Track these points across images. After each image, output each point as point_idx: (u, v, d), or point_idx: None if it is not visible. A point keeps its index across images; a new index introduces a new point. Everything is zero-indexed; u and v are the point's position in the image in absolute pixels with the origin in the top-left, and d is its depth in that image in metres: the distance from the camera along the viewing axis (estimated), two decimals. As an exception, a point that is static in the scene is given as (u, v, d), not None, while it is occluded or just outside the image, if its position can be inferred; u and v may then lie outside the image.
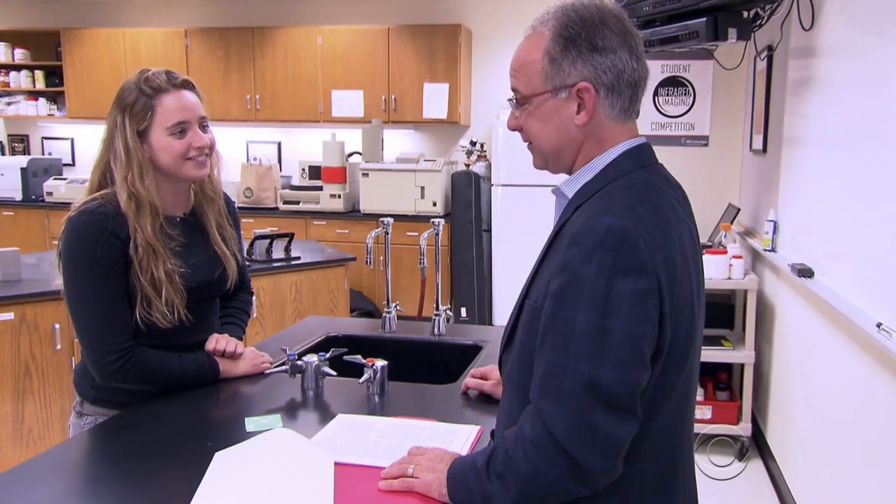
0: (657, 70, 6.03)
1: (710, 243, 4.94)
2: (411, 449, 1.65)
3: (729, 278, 4.46)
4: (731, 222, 5.00)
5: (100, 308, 2.03)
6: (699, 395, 4.60)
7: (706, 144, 6.14)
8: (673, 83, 6.08)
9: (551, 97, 1.44)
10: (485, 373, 2.18)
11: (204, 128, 2.14)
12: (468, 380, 2.19)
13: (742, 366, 4.64)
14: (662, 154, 5.80)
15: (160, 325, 2.08)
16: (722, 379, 4.76)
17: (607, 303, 1.27)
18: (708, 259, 4.38)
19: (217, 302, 2.34)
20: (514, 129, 1.54)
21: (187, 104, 2.10)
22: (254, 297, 2.57)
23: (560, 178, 1.54)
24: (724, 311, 5.02)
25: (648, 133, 6.16)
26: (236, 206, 2.45)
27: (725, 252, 4.48)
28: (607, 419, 1.27)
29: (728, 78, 5.88)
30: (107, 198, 2.07)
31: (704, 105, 6.08)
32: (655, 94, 6.09)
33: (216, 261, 2.25)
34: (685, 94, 6.08)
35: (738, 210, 5.22)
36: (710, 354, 4.48)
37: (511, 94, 1.52)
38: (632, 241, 1.28)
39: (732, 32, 3.73)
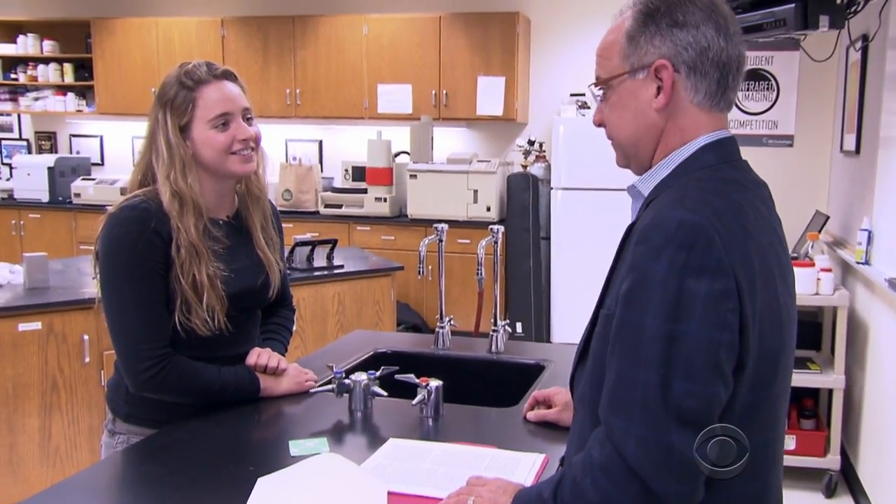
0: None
1: (795, 255, 4.86)
2: (470, 479, 1.63)
3: (816, 294, 4.38)
4: (819, 231, 4.91)
5: (137, 310, 2.06)
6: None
7: (791, 145, 6.05)
8: (754, 76, 5.99)
9: (629, 78, 1.45)
10: (548, 396, 2.16)
11: (248, 120, 2.18)
12: (529, 410, 2.17)
13: (830, 391, 4.55)
14: (742, 155, 5.70)
15: (199, 333, 2.10)
16: (808, 406, 4.68)
17: (678, 306, 1.25)
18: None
19: (258, 314, 2.36)
20: (598, 125, 1.55)
21: (229, 95, 2.14)
22: (295, 314, 2.58)
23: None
24: (810, 331, 4.93)
25: (726, 132, 6.09)
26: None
27: (813, 265, 4.40)
28: (683, 437, 1.24)
29: (816, 71, 5.78)
30: (149, 195, 2.11)
31: (789, 101, 5.98)
32: (734, 88, 6.01)
33: (259, 267, 2.27)
34: (768, 88, 5.99)
35: (827, 218, 5.13)
36: (794, 378, 4.40)
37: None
38: (706, 237, 1.26)
39: (824, 20, 3.66)
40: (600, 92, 1.50)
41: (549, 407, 2.15)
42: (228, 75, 2.19)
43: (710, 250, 1.26)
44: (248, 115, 2.18)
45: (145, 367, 2.06)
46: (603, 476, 1.29)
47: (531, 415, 2.15)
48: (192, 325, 2.09)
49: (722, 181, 1.38)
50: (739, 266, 1.27)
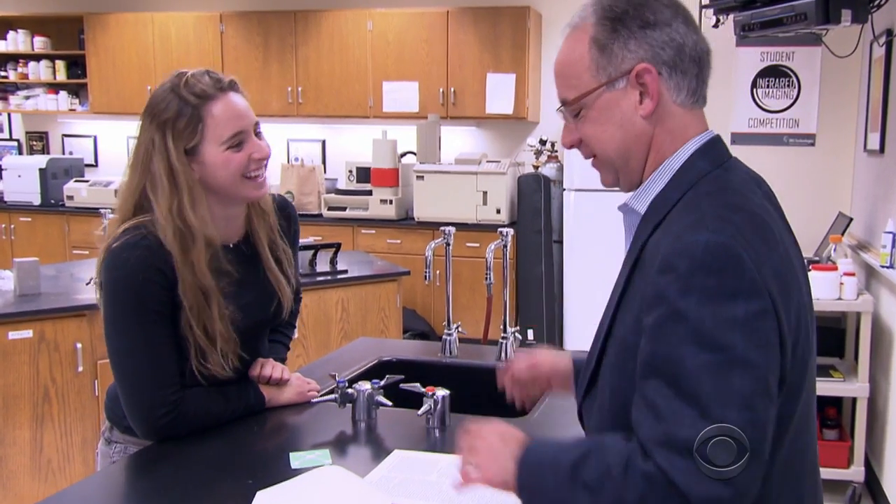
0: (756, 58, 5.96)
1: (817, 258, 4.86)
2: (461, 442, 1.53)
3: (839, 299, 4.38)
4: (842, 234, 4.91)
5: (147, 357, 2.02)
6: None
7: (812, 144, 6.05)
8: (774, 73, 6.00)
9: (607, 91, 1.43)
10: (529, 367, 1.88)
11: (258, 134, 2.10)
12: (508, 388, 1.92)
13: (854, 400, 4.54)
14: (762, 155, 5.77)
15: (219, 377, 2.09)
16: (830, 415, 4.67)
17: (718, 334, 1.23)
18: (815, 276, 4.30)
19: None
20: (571, 146, 1.52)
21: (240, 110, 2.05)
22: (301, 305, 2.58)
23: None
24: (833, 337, 4.92)
25: (745, 130, 6.09)
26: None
27: (835, 268, 4.40)
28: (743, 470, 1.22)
29: (839, 67, 5.78)
30: (150, 226, 2.02)
31: (811, 98, 5.98)
32: (754, 85, 6.02)
33: (271, 295, 2.22)
34: (788, 85, 6.00)
35: (850, 220, 5.12)
36: (816, 386, 4.39)
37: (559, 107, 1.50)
38: (735, 258, 1.25)
39: (846, 14, 3.67)
40: (574, 112, 1.47)
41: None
42: (234, 86, 2.08)
43: (741, 271, 1.25)
44: (258, 130, 2.11)
45: (159, 414, 2.03)
46: (645, 483, 1.25)
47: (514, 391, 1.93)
48: (210, 371, 2.06)
49: (732, 191, 1.37)
50: (771, 281, 1.27)
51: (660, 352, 1.27)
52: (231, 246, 2.17)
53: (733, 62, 5.98)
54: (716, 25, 4.93)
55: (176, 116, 1.99)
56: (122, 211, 2.08)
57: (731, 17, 4.63)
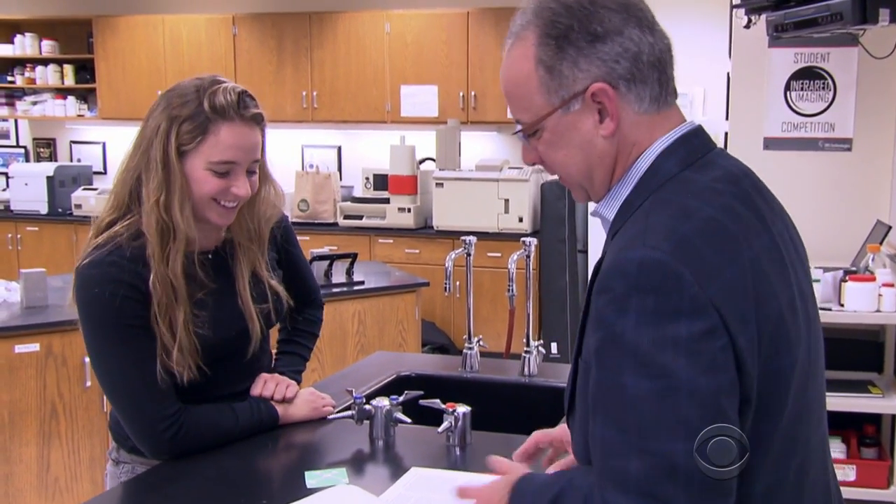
0: (790, 59, 5.93)
1: (854, 268, 4.82)
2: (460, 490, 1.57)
3: (878, 311, 4.34)
4: (881, 243, 4.87)
5: (134, 373, 2.02)
6: (840, 451, 4.48)
7: (849, 149, 6.01)
8: (808, 75, 5.97)
9: (563, 114, 1.37)
10: (557, 438, 1.85)
11: (251, 174, 2.09)
12: (528, 456, 1.85)
13: (893, 417, 4.51)
14: (796, 160, 5.70)
15: (178, 378, 2.05)
16: (869, 433, 4.63)
17: (658, 358, 1.19)
18: (852, 287, 4.28)
19: (258, 351, 2.31)
20: (533, 164, 1.49)
21: (246, 144, 2.04)
22: (322, 311, 2.58)
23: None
24: (871, 351, 4.88)
25: (779, 135, 6.05)
26: (290, 220, 2.44)
27: (873, 279, 4.36)
28: None
29: (877, 68, 5.74)
30: (119, 236, 2.02)
31: (847, 101, 5.95)
32: (787, 87, 5.99)
33: (240, 319, 2.18)
34: (823, 87, 5.96)
35: (889, 228, 5.09)
36: (854, 403, 4.37)
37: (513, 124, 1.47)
38: (673, 276, 1.21)
39: (884, 14, 3.65)
40: (531, 134, 1.43)
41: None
42: (257, 119, 2.07)
43: (680, 289, 1.20)
44: (253, 169, 2.09)
45: (162, 428, 2.03)
46: None
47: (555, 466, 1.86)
48: (172, 369, 2.03)
49: (691, 194, 1.32)
50: (721, 296, 1.22)
51: (602, 379, 1.24)
52: (209, 255, 2.16)
53: (765, 64, 5.96)
54: (747, 26, 4.92)
55: (188, 116, 2.00)
56: (115, 200, 2.09)
57: (763, 17, 4.62)
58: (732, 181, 1.37)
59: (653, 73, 1.36)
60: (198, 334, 2.06)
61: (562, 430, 1.81)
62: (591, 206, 1.50)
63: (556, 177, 5.47)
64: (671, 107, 1.40)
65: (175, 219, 2.00)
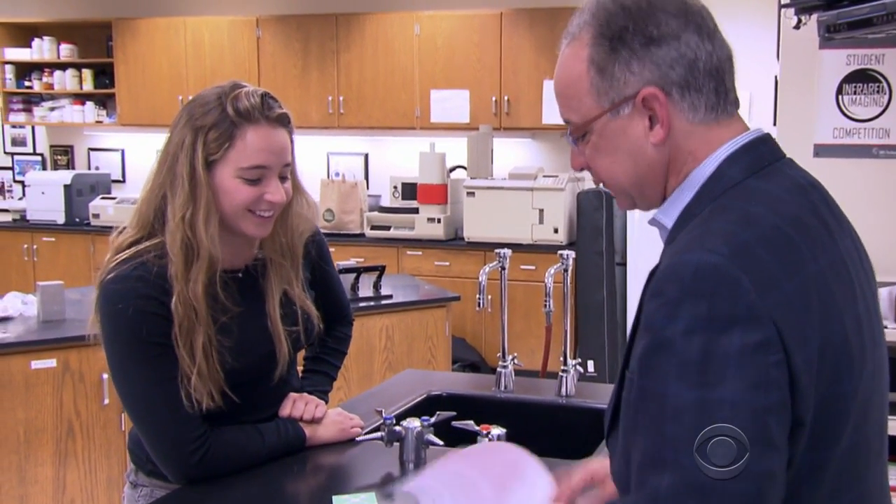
0: (842, 61, 5.87)
1: (912, 283, 4.77)
2: None
3: (938, 328, 4.28)
4: (940, 256, 4.81)
5: (159, 394, 2.02)
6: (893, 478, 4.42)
7: (905, 156, 5.94)
8: (862, 78, 5.91)
9: (612, 118, 1.38)
10: (597, 474, 1.82)
11: (283, 179, 2.08)
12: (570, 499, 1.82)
13: (955, 441, 4.43)
14: (848, 168, 5.63)
15: (199, 406, 2.04)
16: (929, 458, 4.57)
17: (707, 368, 1.17)
18: (910, 303, 4.21)
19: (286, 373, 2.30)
20: (580, 169, 1.49)
21: (275, 146, 2.03)
22: (352, 328, 2.57)
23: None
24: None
25: (830, 141, 6.00)
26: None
27: (933, 294, 4.30)
28: None
29: (934, 71, 5.68)
30: (145, 253, 2.02)
31: (903, 106, 5.89)
32: (839, 91, 5.93)
33: (266, 342, 2.17)
34: (878, 91, 5.90)
35: (949, 240, 5.02)
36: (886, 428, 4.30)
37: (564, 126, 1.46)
38: (730, 282, 1.19)
39: (944, 14, 3.61)
40: (579, 137, 1.43)
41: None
42: (283, 120, 2.06)
43: (736, 296, 1.18)
44: (285, 175, 2.09)
45: (188, 451, 2.02)
46: None
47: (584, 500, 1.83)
48: (191, 395, 2.01)
49: (755, 202, 1.30)
50: (780, 308, 1.20)
51: (645, 385, 1.23)
52: (239, 275, 2.15)
53: (816, 66, 5.91)
54: (797, 26, 4.87)
55: (212, 125, 1.99)
56: (140, 218, 2.08)
57: (814, 17, 4.58)
58: (800, 192, 1.36)
59: (709, 81, 1.36)
60: (219, 360, 2.04)
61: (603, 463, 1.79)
62: (637, 214, 1.49)
63: (593, 186, 5.46)
64: (731, 116, 1.40)
65: (199, 236, 1.99)
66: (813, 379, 1.22)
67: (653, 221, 1.44)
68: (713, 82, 1.36)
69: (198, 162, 1.99)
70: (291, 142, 2.10)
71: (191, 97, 2.09)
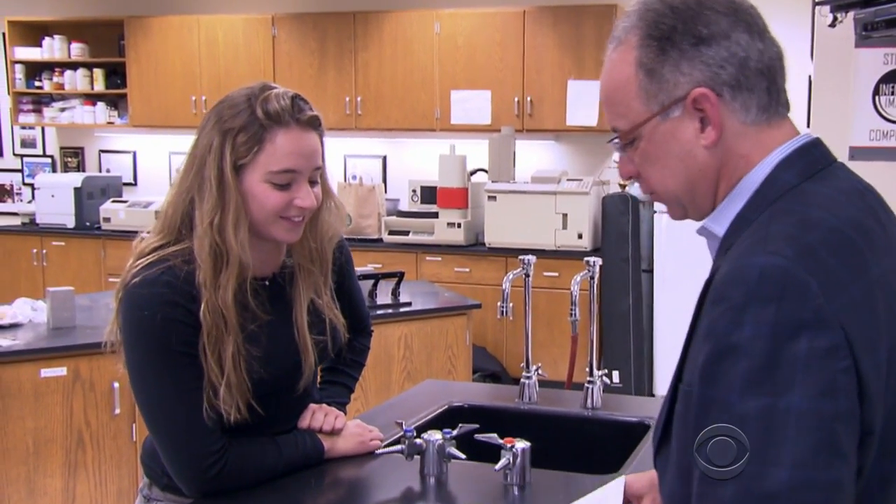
0: (879, 60, 5.84)
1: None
2: None
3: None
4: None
5: (179, 405, 2.01)
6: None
7: (944, 159, 5.91)
8: (899, 79, 5.88)
9: (661, 121, 1.38)
10: (631, 487, 1.84)
11: (313, 184, 2.08)
12: None
13: None
14: (885, 172, 5.59)
15: (227, 418, 2.04)
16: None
17: (773, 375, 1.16)
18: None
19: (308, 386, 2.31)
20: (629, 178, 1.49)
21: (305, 149, 2.03)
22: (370, 341, 2.58)
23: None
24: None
25: (866, 144, 5.96)
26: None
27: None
28: None
29: (975, 71, 5.65)
30: (173, 258, 2.01)
31: (942, 107, 5.85)
32: (876, 92, 5.90)
33: (293, 352, 2.17)
34: (916, 92, 5.87)
35: None
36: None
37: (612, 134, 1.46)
38: (798, 285, 1.19)
39: None
40: (627, 143, 1.44)
41: None
42: (314, 123, 2.06)
43: (804, 300, 1.18)
44: (315, 179, 2.08)
45: (205, 465, 2.02)
46: None
47: None
48: (218, 408, 2.01)
49: (815, 206, 1.30)
50: (847, 312, 1.20)
51: (707, 393, 1.23)
52: (266, 282, 2.15)
53: (852, 66, 5.88)
54: (832, 24, 4.85)
55: (241, 128, 1.99)
56: (165, 223, 2.07)
57: (850, 14, 4.56)
58: (857, 195, 1.36)
59: (761, 81, 1.37)
60: (247, 371, 2.03)
61: (639, 481, 1.79)
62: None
63: (618, 190, 5.46)
64: (783, 118, 1.40)
65: (229, 242, 1.99)
66: (882, 385, 1.22)
67: (702, 230, 1.45)
68: (765, 82, 1.37)
69: (226, 166, 1.98)
70: (322, 145, 2.10)
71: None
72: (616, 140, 1.45)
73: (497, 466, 2.16)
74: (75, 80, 8.67)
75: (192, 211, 2.03)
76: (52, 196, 8.24)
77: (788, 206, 1.31)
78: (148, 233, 2.11)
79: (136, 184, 9.04)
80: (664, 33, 1.36)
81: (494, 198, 7.11)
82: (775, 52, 1.39)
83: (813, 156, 1.38)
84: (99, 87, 8.65)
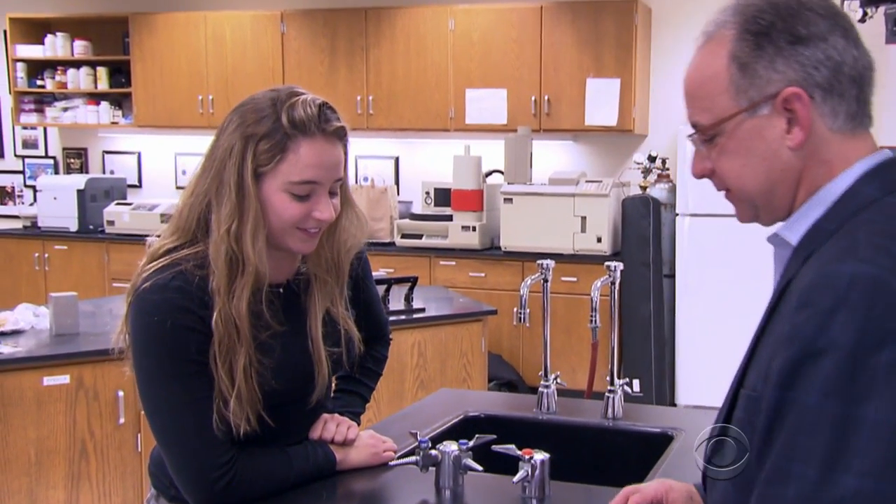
0: (908, 59, 5.83)
1: None
2: None
3: None
4: None
5: (189, 414, 2.01)
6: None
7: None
8: (931, 77, 5.86)
9: (748, 117, 1.41)
10: (655, 498, 1.84)
11: (333, 195, 2.07)
12: None
13: None
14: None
15: (235, 430, 2.04)
16: None
17: (855, 382, 1.19)
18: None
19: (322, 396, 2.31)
20: (702, 176, 1.51)
21: (328, 162, 2.02)
22: (388, 350, 2.60)
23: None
24: None
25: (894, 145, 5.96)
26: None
27: None
28: None
29: None
30: (185, 262, 2.01)
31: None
32: (906, 92, 5.88)
33: (307, 363, 2.17)
34: (948, 91, 5.85)
35: None
36: None
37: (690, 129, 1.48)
38: (888, 294, 1.21)
39: None
40: (707, 139, 1.47)
41: None
42: (340, 133, 2.05)
43: (893, 310, 1.20)
44: (335, 190, 2.08)
45: (214, 477, 2.01)
46: None
47: None
48: (227, 419, 2.01)
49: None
50: None
51: (785, 396, 1.25)
52: (280, 290, 2.15)
53: (882, 63, 5.87)
54: (862, 20, 4.84)
55: (265, 134, 1.98)
56: (180, 223, 2.07)
57: (881, 9, 4.55)
58: None
59: (852, 88, 1.39)
60: (258, 382, 2.03)
61: (656, 487, 1.80)
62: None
63: (639, 192, 5.44)
64: (866, 131, 1.43)
65: (246, 250, 1.99)
66: None
67: (774, 238, 1.46)
68: (855, 89, 1.40)
69: (247, 172, 1.98)
70: (346, 155, 2.09)
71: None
72: (694, 134, 1.47)
73: (515, 479, 2.15)
74: (78, 79, 8.68)
75: (209, 214, 2.03)
76: (55, 198, 8.25)
77: (873, 216, 1.34)
78: (158, 236, 2.11)
79: (140, 186, 9.06)
80: (763, 29, 1.39)
81: (511, 200, 7.10)
82: (868, 62, 1.41)
83: (893, 172, 1.41)
84: (103, 86, 8.66)
